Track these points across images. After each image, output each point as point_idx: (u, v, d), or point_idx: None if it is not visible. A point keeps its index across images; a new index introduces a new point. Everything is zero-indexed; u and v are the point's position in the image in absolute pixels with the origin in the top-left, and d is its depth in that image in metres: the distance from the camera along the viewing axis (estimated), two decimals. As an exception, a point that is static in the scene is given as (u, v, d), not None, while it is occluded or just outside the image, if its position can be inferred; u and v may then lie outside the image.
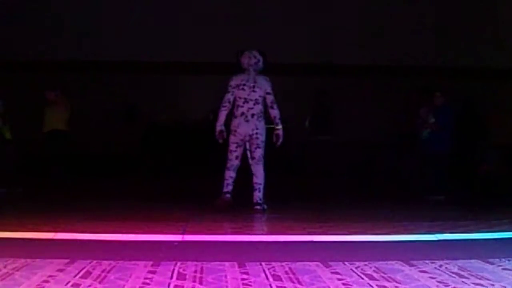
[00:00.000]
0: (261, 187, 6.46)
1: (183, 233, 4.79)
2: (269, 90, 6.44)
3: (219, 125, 6.44)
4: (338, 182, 10.73)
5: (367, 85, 13.38)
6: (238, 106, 6.42)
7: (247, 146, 6.55)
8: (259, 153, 6.43)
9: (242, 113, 6.39)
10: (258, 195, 6.43)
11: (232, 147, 6.47)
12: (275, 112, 6.44)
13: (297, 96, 11.98)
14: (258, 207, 6.41)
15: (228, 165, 6.50)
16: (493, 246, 4.34)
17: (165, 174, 11.50)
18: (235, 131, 6.42)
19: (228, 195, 6.48)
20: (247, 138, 6.43)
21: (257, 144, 6.42)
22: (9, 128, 8.52)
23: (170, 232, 4.81)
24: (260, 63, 6.50)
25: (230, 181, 6.47)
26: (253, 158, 6.49)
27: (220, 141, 6.50)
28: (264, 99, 6.43)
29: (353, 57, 13.30)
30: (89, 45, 12.95)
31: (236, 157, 6.49)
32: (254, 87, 6.40)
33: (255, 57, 6.47)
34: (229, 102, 6.44)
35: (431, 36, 13.74)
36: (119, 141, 12.37)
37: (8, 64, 12.57)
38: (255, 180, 6.48)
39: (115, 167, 11.79)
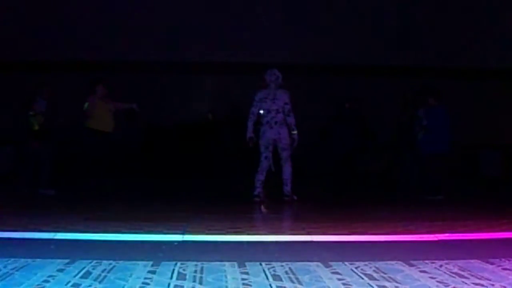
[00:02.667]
0: (289, 181, 7.49)
1: (183, 233, 4.79)
2: (287, 101, 7.46)
3: (249, 133, 7.54)
4: (338, 182, 10.72)
5: (365, 85, 13.40)
6: (263, 116, 7.53)
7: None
8: (285, 154, 7.52)
9: (267, 122, 7.50)
10: (286, 188, 7.51)
11: (262, 149, 7.56)
12: (290, 120, 7.46)
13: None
14: (287, 198, 7.48)
15: (259, 167, 7.57)
16: (493, 246, 4.33)
17: (166, 174, 11.50)
18: (262, 136, 7.55)
19: (256, 199, 7.49)
20: (272, 142, 7.51)
21: (282, 146, 7.51)
22: (37, 120, 8.31)
23: (170, 232, 4.81)
24: (280, 79, 7.55)
25: (258, 184, 7.55)
26: (281, 158, 7.55)
27: (251, 145, 7.56)
28: (284, 108, 7.46)
29: (349, 58, 13.34)
30: (89, 45, 12.96)
31: (266, 158, 7.55)
32: (274, 99, 7.47)
33: (275, 74, 7.56)
34: (253, 114, 7.56)
35: (431, 36, 13.75)
36: (119, 141, 12.37)
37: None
38: (283, 176, 7.54)
39: (115, 167, 11.78)
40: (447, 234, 4.82)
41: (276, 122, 7.45)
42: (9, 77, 12.96)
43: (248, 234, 5.02)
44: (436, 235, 4.79)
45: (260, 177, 7.56)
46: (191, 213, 6.12)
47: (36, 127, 8.28)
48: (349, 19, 13.58)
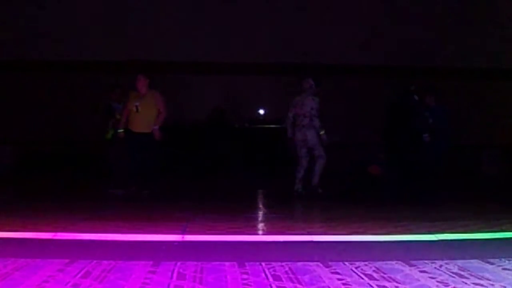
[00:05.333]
0: (317, 174, 8.23)
1: (183, 233, 4.79)
2: (313, 107, 8.17)
3: (288, 134, 8.41)
4: (338, 181, 10.73)
5: (365, 85, 13.40)
6: (295, 119, 8.32)
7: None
8: (316, 152, 8.29)
9: (297, 125, 8.30)
10: (313, 180, 8.24)
11: (297, 149, 8.35)
12: (314, 123, 8.18)
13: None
14: (311, 188, 8.18)
15: (298, 166, 8.36)
16: (493, 246, 4.33)
17: (165, 174, 11.48)
18: (294, 138, 8.34)
19: (295, 194, 8.24)
20: (301, 143, 8.27)
21: (311, 146, 8.27)
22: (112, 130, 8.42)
23: (170, 232, 4.80)
24: (313, 87, 8.30)
25: (297, 180, 8.31)
26: (313, 155, 8.33)
27: (290, 145, 8.35)
28: (310, 113, 8.17)
29: (349, 58, 13.33)
30: (91, 46, 12.96)
31: (301, 157, 8.34)
32: (302, 105, 8.22)
33: (308, 82, 8.33)
34: (288, 117, 8.38)
35: (431, 37, 13.74)
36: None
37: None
38: (314, 168, 8.26)
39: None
40: (447, 234, 4.82)
41: (303, 126, 8.19)
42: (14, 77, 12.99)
43: (248, 234, 5.02)
44: (436, 235, 4.79)
45: (298, 174, 8.30)
46: (191, 213, 6.12)
47: (109, 136, 8.44)
48: (349, 19, 13.58)
